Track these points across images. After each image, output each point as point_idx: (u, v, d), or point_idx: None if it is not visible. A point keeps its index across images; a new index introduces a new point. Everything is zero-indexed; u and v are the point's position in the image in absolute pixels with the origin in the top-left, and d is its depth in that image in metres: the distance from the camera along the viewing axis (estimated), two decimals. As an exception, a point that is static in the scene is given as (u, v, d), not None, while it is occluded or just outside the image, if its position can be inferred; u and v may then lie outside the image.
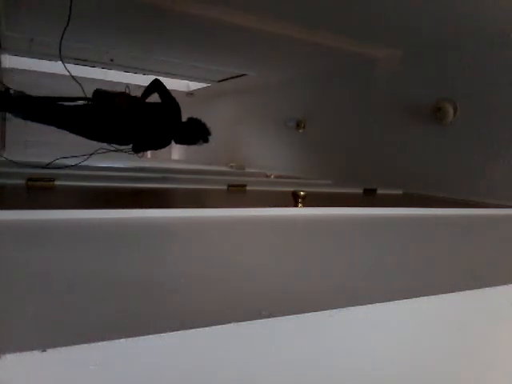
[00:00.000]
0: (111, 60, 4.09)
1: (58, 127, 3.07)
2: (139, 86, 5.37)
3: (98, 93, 3.13)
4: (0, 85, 3.45)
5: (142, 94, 3.11)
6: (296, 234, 1.20)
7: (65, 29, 2.34)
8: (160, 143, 3.27)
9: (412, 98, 2.92)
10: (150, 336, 0.43)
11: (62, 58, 2.60)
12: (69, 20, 2.29)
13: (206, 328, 0.46)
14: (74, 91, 3.39)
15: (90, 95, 3.06)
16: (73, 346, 0.39)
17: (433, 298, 0.63)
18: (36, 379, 0.39)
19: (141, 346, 0.43)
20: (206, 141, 3.36)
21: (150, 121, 3.08)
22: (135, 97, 3.14)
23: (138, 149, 3.13)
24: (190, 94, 5.74)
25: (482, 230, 1.51)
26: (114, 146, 3.09)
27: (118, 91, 3.17)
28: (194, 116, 3.32)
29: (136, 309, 0.50)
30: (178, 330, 0.44)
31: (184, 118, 3.19)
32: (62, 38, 2.41)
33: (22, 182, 1.72)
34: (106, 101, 3.04)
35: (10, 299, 0.52)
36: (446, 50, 2.69)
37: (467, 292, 0.67)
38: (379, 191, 2.53)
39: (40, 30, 3.26)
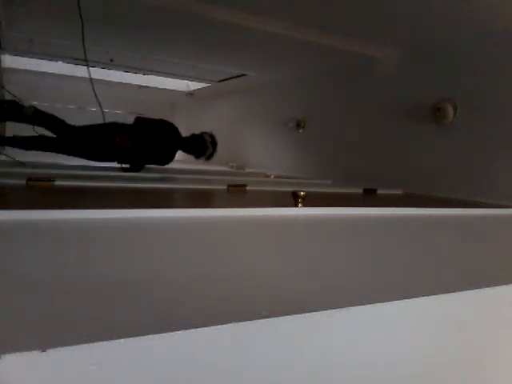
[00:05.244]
0: (111, 60, 4.09)
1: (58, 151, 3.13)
2: (139, 86, 5.38)
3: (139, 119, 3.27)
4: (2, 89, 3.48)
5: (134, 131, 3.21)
6: (296, 234, 1.20)
7: (82, 27, 2.37)
8: (162, 158, 3.35)
9: (412, 98, 2.92)
10: (150, 336, 0.43)
11: (87, 60, 2.63)
12: (82, 19, 2.32)
13: (206, 328, 0.46)
14: (75, 91, 3.39)
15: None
16: (73, 346, 0.39)
17: (433, 297, 0.63)
18: (36, 379, 0.39)
19: (141, 346, 0.43)
20: (209, 157, 3.51)
21: (151, 138, 3.18)
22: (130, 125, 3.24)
23: (138, 166, 3.20)
24: (190, 94, 5.74)
25: (482, 230, 1.51)
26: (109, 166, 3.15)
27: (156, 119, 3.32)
28: (200, 132, 3.51)
29: (136, 309, 0.50)
30: (177, 330, 0.44)
31: (186, 127, 3.39)
32: (83, 39, 2.45)
33: (22, 181, 1.72)
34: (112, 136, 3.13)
35: (9, 299, 0.52)
36: (446, 50, 2.69)
37: (467, 292, 0.67)
38: (379, 191, 2.53)
39: (40, 29, 3.26)
